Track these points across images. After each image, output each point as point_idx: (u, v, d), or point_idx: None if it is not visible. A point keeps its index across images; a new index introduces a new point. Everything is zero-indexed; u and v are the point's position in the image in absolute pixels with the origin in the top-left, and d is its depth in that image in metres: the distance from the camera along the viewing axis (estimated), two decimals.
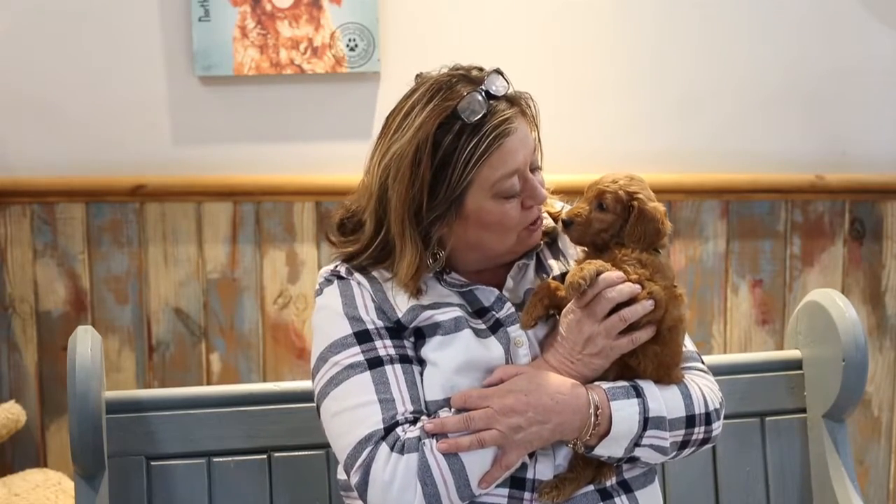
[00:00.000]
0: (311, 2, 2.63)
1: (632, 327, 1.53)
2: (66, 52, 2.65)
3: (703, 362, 1.69)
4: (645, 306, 1.52)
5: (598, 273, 1.52)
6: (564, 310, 1.55)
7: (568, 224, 1.58)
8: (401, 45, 2.67)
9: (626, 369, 1.57)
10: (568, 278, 1.52)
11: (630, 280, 1.53)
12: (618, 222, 1.56)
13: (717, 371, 1.73)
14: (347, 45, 2.65)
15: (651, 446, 1.54)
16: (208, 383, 2.69)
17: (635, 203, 1.56)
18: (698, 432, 1.59)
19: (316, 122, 2.70)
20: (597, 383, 1.54)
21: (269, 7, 2.62)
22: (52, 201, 2.66)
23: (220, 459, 1.79)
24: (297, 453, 1.81)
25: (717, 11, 2.73)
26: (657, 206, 1.57)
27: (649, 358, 1.56)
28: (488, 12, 2.69)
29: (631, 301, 1.52)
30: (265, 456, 1.81)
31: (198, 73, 2.65)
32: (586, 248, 1.61)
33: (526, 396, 1.49)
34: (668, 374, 1.58)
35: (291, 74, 2.66)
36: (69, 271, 2.68)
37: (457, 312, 1.56)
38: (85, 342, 1.68)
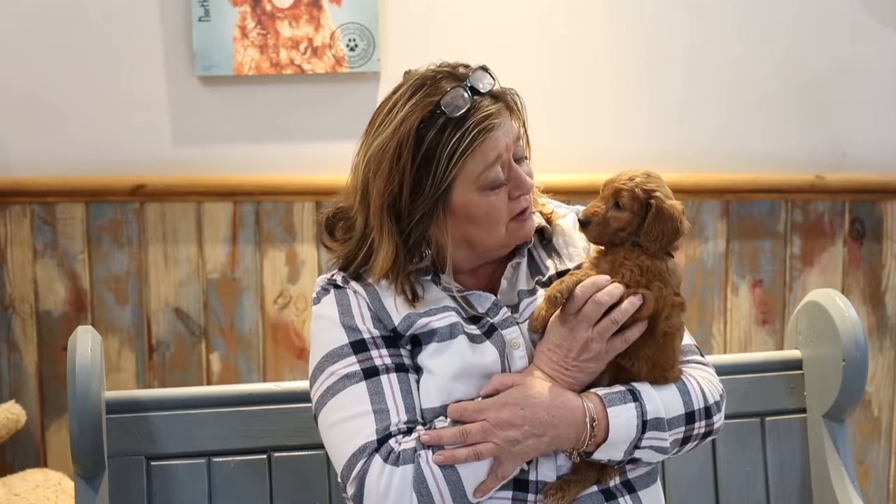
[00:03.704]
0: (311, 2, 2.63)
1: (623, 326, 1.52)
2: (66, 52, 2.66)
3: (702, 354, 1.69)
4: (633, 303, 1.51)
5: (577, 283, 1.51)
6: (553, 318, 1.54)
7: (585, 223, 1.55)
8: (401, 45, 2.67)
9: (621, 371, 1.56)
10: (546, 292, 1.52)
11: (620, 283, 1.52)
12: (635, 221, 1.54)
13: (717, 371, 1.73)
14: (347, 45, 2.65)
15: (651, 447, 1.54)
16: (208, 383, 2.69)
17: (653, 201, 1.53)
18: (699, 427, 1.59)
19: (316, 122, 2.70)
20: (592, 390, 1.54)
21: (269, 7, 2.62)
22: (52, 201, 2.66)
23: (220, 459, 1.79)
24: (297, 453, 1.81)
25: (716, 11, 2.73)
26: (675, 205, 1.55)
27: (643, 360, 1.55)
28: (488, 12, 2.69)
29: (620, 301, 1.51)
30: (265, 456, 1.80)
31: (198, 73, 2.65)
32: (602, 248, 1.59)
33: (522, 410, 1.48)
34: (663, 375, 1.57)
35: (291, 74, 2.66)
36: (69, 271, 2.68)
37: (452, 318, 1.56)
38: (85, 342, 1.68)
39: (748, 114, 2.77)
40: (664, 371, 1.57)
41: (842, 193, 2.76)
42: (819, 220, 2.78)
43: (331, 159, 2.67)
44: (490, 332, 1.57)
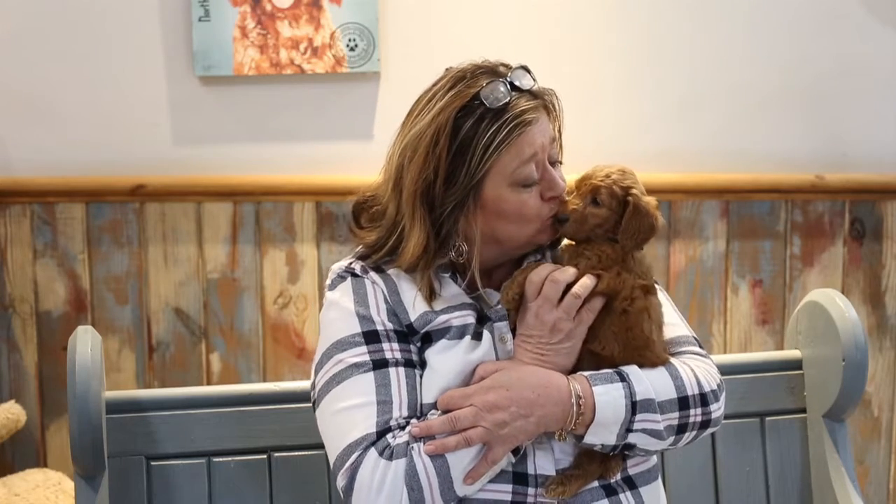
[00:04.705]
0: (311, 2, 2.63)
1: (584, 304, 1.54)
2: (66, 52, 2.66)
3: (700, 346, 1.69)
4: (591, 278, 1.53)
5: (526, 277, 1.54)
6: (519, 315, 1.56)
7: (563, 220, 1.57)
8: (401, 45, 2.67)
9: (595, 358, 1.56)
10: (501, 299, 1.55)
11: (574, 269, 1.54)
12: (612, 217, 1.56)
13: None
14: (347, 45, 2.65)
15: (644, 431, 1.53)
16: (208, 383, 2.69)
17: (630, 198, 1.55)
18: (695, 414, 1.58)
19: (316, 122, 2.70)
20: (579, 373, 1.55)
21: (269, 7, 2.62)
22: (52, 201, 2.66)
23: (220, 459, 1.79)
24: (297, 453, 1.81)
25: (716, 11, 2.73)
26: (650, 201, 1.57)
27: (611, 340, 1.55)
28: (488, 12, 2.69)
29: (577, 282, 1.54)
30: (265, 456, 1.80)
31: (198, 73, 2.65)
32: (571, 243, 1.61)
33: (508, 391, 1.49)
34: (640, 354, 1.56)
35: (291, 74, 2.66)
36: (69, 271, 2.68)
37: (470, 318, 1.57)
38: (85, 342, 1.68)
39: (748, 114, 2.77)
40: (639, 351, 1.56)
41: (842, 193, 2.76)
42: (819, 220, 2.78)
43: (331, 159, 2.67)
44: (489, 327, 1.58)
